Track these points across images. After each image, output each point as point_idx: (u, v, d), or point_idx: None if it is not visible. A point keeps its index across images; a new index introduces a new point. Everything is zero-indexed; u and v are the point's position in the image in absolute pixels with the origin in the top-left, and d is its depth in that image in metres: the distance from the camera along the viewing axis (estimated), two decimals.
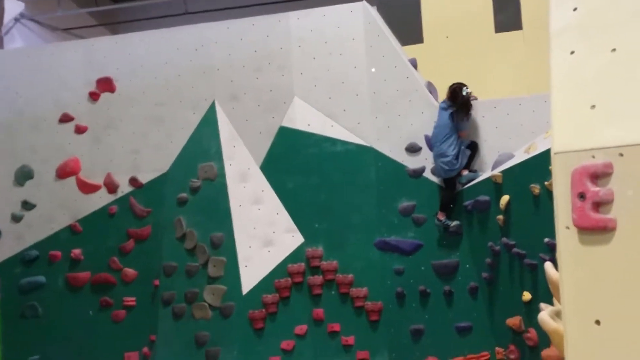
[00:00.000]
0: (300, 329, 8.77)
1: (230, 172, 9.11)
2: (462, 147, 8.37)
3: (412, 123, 8.78)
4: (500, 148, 8.39)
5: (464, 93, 8.36)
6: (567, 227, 2.31)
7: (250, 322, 8.79)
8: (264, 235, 8.94)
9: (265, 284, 8.85)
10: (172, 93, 9.36)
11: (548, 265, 2.82)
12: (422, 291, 8.59)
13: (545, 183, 6.74)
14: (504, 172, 7.92)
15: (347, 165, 8.91)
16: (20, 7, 10.95)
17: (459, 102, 8.39)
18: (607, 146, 2.25)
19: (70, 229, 9.51)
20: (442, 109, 8.51)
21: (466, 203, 8.40)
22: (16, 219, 9.63)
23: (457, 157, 8.34)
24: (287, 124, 9.06)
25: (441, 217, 8.52)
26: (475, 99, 8.66)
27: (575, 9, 2.56)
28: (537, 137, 7.96)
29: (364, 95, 8.95)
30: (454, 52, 9.24)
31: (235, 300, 8.82)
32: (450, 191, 8.55)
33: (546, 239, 6.77)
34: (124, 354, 9.23)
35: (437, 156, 8.42)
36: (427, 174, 8.70)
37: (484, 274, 8.29)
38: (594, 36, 2.47)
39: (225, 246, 8.95)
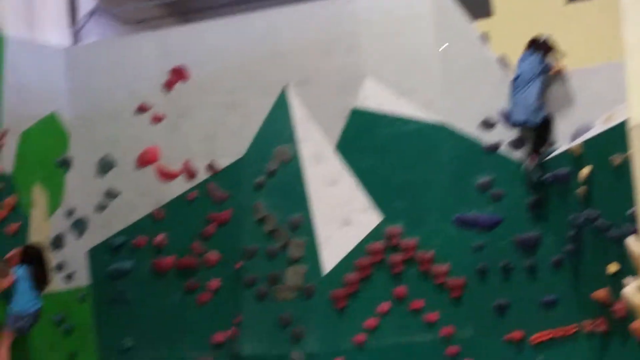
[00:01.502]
0: (383, 306, 8.75)
1: (305, 154, 9.12)
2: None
3: (486, 98, 8.63)
4: (578, 119, 8.17)
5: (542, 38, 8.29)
6: None
7: (333, 302, 8.82)
8: (342, 215, 8.92)
9: (346, 263, 8.87)
10: (245, 79, 9.38)
11: (630, 241, 2.68)
12: (504, 266, 8.46)
13: (627, 154, 6.52)
14: (583, 143, 7.73)
15: (421, 143, 8.83)
16: (93, 2, 11.04)
17: (539, 43, 8.29)
18: None
19: (153, 215, 9.65)
20: (521, 60, 8.35)
21: (546, 176, 8.20)
22: (101, 207, 9.82)
23: (540, 105, 8.08)
24: (359, 104, 9.01)
25: (531, 161, 8.26)
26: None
27: None
28: (616, 106, 7.69)
29: (435, 72, 8.82)
30: (525, 25, 8.97)
31: (316, 280, 8.87)
32: (540, 136, 8.28)
33: (630, 210, 6.58)
34: (211, 335, 9.34)
35: (520, 104, 8.19)
36: (504, 149, 8.51)
37: (567, 247, 8.12)
38: None
39: (304, 227, 8.99)
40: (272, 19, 9.31)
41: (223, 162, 9.46)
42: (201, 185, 9.53)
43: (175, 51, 9.64)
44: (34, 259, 8.37)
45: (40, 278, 8.33)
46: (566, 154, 7.97)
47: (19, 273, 8.18)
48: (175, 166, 9.63)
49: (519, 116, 8.22)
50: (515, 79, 8.33)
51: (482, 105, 8.64)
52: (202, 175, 9.55)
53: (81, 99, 9.89)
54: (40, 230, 9.16)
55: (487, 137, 8.62)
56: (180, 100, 9.62)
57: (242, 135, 9.38)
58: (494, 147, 8.58)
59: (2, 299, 8.13)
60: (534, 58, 8.33)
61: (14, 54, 9.00)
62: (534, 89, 8.19)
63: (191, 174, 9.55)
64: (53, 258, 9.25)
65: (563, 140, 8.23)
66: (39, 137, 9.39)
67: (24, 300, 8.14)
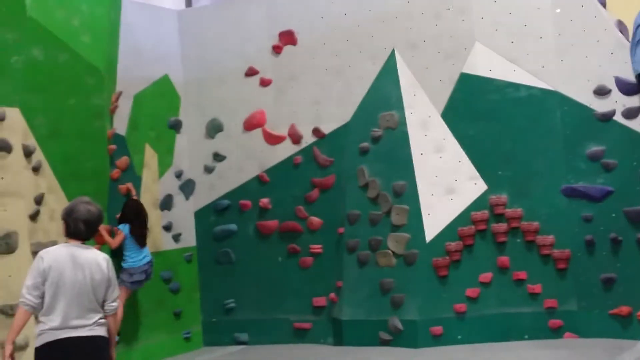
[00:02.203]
0: (485, 276, 8.99)
1: (411, 121, 9.37)
2: None
3: (601, 64, 8.66)
4: None
5: None
6: None
7: (435, 270, 9.11)
8: (446, 183, 9.17)
9: (449, 231, 9.14)
10: (352, 43, 9.72)
11: None
12: (613, 239, 8.53)
13: None
14: None
15: (531, 110, 8.96)
16: None
17: None
18: None
19: (259, 179, 10.18)
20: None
21: None
22: (208, 170, 10.41)
23: None
24: (468, 70, 9.18)
25: None
26: None
27: None
28: None
29: (548, 37, 8.91)
30: None
31: (418, 247, 9.15)
32: None
33: None
34: (312, 299, 9.83)
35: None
36: (618, 117, 8.54)
37: None
38: None
39: (407, 194, 9.28)
40: None
41: (328, 127, 9.87)
42: (306, 150, 9.99)
43: (283, 15, 10.08)
44: (134, 215, 9.02)
45: (140, 234, 8.98)
46: None
47: (125, 231, 8.91)
48: (281, 130, 10.11)
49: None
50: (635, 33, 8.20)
51: (596, 72, 8.68)
52: (308, 140, 9.98)
53: (192, 62, 10.49)
54: (150, 191, 9.83)
55: (601, 105, 8.64)
56: (288, 65, 10.08)
57: (348, 100, 9.75)
58: (608, 116, 8.61)
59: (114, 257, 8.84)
60: None
61: (129, 16, 9.57)
62: None
63: (297, 139, 10.00)
64: (161, 218, 9.91)
65: None
66: (151, 100, 9.99)
67: (133, 256, 8.90)
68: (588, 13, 8.73)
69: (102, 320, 5.02)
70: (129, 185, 9.28)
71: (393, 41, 9.50)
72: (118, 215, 9.06)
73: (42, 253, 4.94)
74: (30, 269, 4.92)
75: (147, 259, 9.02)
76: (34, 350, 4.88)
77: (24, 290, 4.81)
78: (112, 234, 8.92)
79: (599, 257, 8.63)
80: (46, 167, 7.89)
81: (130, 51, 9.56)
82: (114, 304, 5.11)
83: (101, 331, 4.98)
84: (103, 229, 8.44)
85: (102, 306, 5.03)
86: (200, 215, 10.46)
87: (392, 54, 9.50)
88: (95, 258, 5.03)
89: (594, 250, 8.65)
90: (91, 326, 4.90)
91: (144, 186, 9.68)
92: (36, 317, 5.00)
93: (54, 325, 4.77)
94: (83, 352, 4.82)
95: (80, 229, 5.01)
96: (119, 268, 8.70)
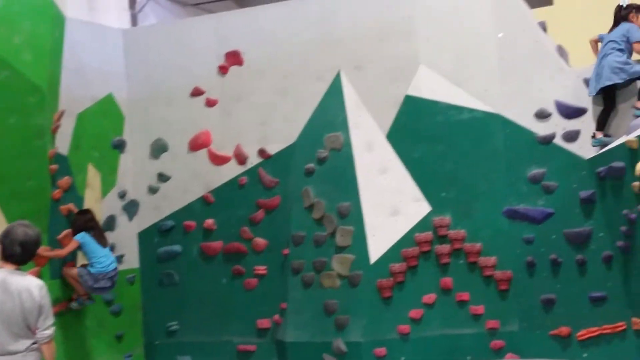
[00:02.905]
0: (429, 297, 9.09)
1: (356, 142, 9.46)
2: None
3: (542, 88, 8.86)
4: (635, 112, 8.29)
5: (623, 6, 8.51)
6: None
7: (379, 291, 9.18)
8: (390, 204, 9.27)
9: (393, 253, 9.22)
10: (299, 64, 9.80)
11: None
12: (553, 260, 8.70)
13: None
14: None
15: (474, 132, 9.11)
16: None
17: (623, 15, 8.52)
18: None
19: (203, 199, 10.18)
20: (605, 38, 8.59)
21: (599, 170, 8.40)
22: (153, 190, 10.39)
23: (629, 62, 8.29)
24: (413, 92, 9.31)
25: (599, 135, 8.48)
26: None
27: None
28: None
29: (491, 61, 9.09)
30: (585, 14, 9.16)
31: (363, 269, 9.22)
32: (608, 107, 8.51)
33: None
34: (256, 321, 9.84)
35: (606, 65, 8.33)
36: (558, 140, 8.72)
37: (619, 243, 8.30)
38: None
39: (352, 216, 9.35)
40: (327, 3, 9.69)
41: (274, 148, 9.90)
42: (252, 171, 10.00)
43: (230, 35, 10.12)
44: (87, 224, 9.02)
45: (101, 236, 9.04)
46: (622, 147, 8.11)
47: (83, 239, 8.84)
48: (227, 151, 10.12)
49: (606, 75, 8.31)
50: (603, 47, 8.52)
51: (537, 95, 8.87)
52: (253, 161, 10.00)
53: (138, 81, 10.46)
54: (93, 211, 9.67)
55: (542, 128, 8.84)
56: (234, 85, 10.11)
57: (294, 121, 9.80)
58: (548, 139, 8.80)
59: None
60: (619, 28, 8.51)
61: (73, 34, 9.46)
62: (620, 53, 8.35)
63: (242, 159, 10.02)
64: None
65: (619, 133, 8.38)
66: (95, 119, 9.90)
67: (102, 260, 8.86)
68: (529, 38, 8.93)
69: (35, 346, 5.02)
70: (71, 205, 9.18)
71: (339, 62, 9.60)
72: (60, 237, 8.96)
73: None
74: None
75: (114, 265, 9.00)
76: None
77: None
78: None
79: (539, 278, 8.78)
80: None
81: (73, 70, 9.47)
82: (47, 332, 5.12)
83: (32, 357, 5.01)
84: (43, 249, 8.29)
85: (35, 334, 5.02)
86: (144, 236, 10.40)
87: (338, 76, 9.59)
88: (28, 285, 5.04)
89: (535, 272, 8.80)
90: (24, 352, 4.96)
91: (86, 207, 9.57)
92: None
93: None
94: None
95: (15, 251, 5.06)
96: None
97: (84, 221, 9.03)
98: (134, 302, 10.29)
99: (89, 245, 8.88)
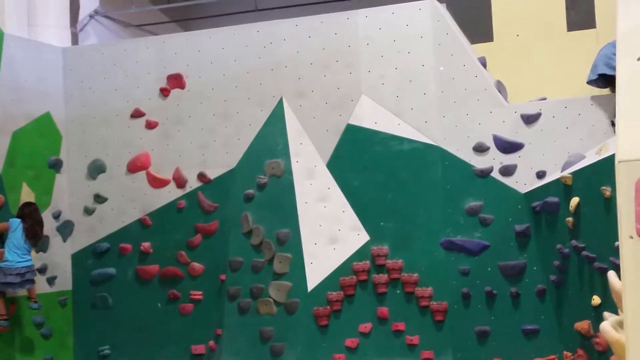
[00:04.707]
0: (365, 327, 8.95)
1: (297, 169, 9.33)
2: None
3: (480, 122, 8.87)
4: (570, 149, 8.37)
5: None
6: (631, 237, 2.32)
7: (315, 319, 9.03)
8: (329, 232, 9.14)
9: (330, 281, 9.09)
10: (241, 90, 9.64)
11: (611, 275, 2.81)
12: (488, 292, 8.68)
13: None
14: (574, 173, 7.95)
15: (413, 164, 9.05)
16: (95, 4, 11.39)
17: None
18: None
19: (140, 222, 9.89)
20: None
21: (534, 204, 8.42)
22: (89, 211, 10.06)
23: None
24: (354, 121, 9.23)
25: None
26: (545, 99, 8.67)
27: None
28: (609, 138, 7.90)
29: (431, 93, 9.06)
30: (524, 51, 9.22)
31: (300, 296, 9.06)
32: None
33: (617, 243, 6.70)
34: (191, 346, 9.55)
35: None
36: (495, 174, 8.72)
37: (552, 277, 8.34)
38: None
39: (291, 243, 9.20)
40: (271, 30, 9.57)
41: (214, 172, 9.70)
42: (190, 195, 9.77)
43: (172, 58, 9.91)
44: (28, 215, 8.91)
45: (33, 233, 8.84)
46: (557, 182, 8.16)
47: (14, 225, 8.71)
48: (166, 174, 9.87)
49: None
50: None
51: (476, 129, 8.87)
52: (193, 184, 9.77)
53: (76, 100, 10.18)
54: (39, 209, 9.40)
55: (480, 162, 8.83)
56: (175, 108, 9.88)
57: (234, 146, 9.63)
58: (486, 172, 8.79)
59: None
60: None
61: (11, 50, 9.25)
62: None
63: (181, 183, 9.78)
64: (36, 260, 9.43)
65: (554, 169, 8.42)
66: (31, 137, 9.64)
67: (14, 256, 8.64)
68: (469, 73, 8.94)
69: None
70: (4, 224, 8.84)
71: (281, 89, 9.47)
72: None
73: None
74: None
75: (28, 263, 8.74)
76: None
77: None
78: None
79: (474, 309, 8.74)
80: None
81: (10, 86, 9.24)
82: None
83: None
84: None
85: None
86: (78, 258, 10.05)
87: (280, 102, 9.46)
88: None
89: (470, 303, 8.76)
90: None
91: None
92: None
93: None
94: None
95: None
96: None
97: (29, 211, 8.96)
98: (65, 325, 9.92)
99: (14, 233, 8.70)
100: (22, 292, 9.03)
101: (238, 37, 9.68)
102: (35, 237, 8.95)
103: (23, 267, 8.68)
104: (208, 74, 9.76)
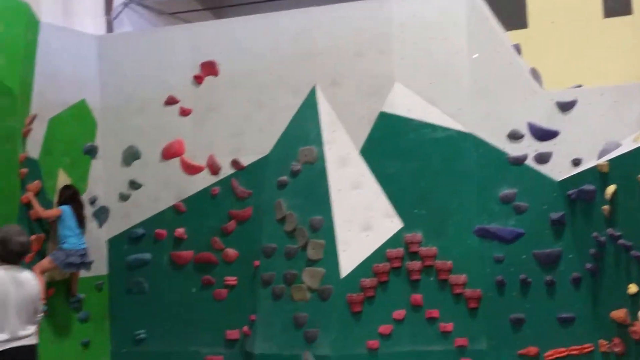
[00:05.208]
0: (399, 313, 8.96)
1: (330, 156, 9.32)
2: None
3: (515, 110, 8.81)
4: (606, 136, 8.30)
5: None
6: None
7: (349, 306, 9.02)
8: (362, 219, 9.13)
9: (364, 268, 9.07)
10: (274, 77, 9.62)
11: None
12: (522, 280, 8.64)
13: None
14: (611, 161, 7.87)
15: (447, 151, 9.02)
16: None
17: None
18: None
19: (175, 208, 9.92)
20: None
21: (570, 192, 8.36)
22: (124, 197, 10.12)
23: None
24: (387, 109, 9.19)
25: None
26: (580, 86, 8.58)
27: None
28: None
29: (465, 81, 9.01)
30: (559, 38, 9.14)
31: (333, 283, 9.06)
32: None
33: None
34: (225, 332, 9.61)
35: None
36: (529, 162, 8.67)
37: (588, 265, 8.28)
38: None
39: (324, 229, 9.19)
40: (304, 18, 9.55)
41: (248, 159, 9.71)
42: (224, 181, 9.79)
43: (206, 45, 9.91)
44: (71, 199, 9.17)
45: (79, 216, 9.14)
46: (593, 170, 8.09)
47: (66, 211, 8.95)
48: (200, 160, 9.90)
49: None
50: None
51: (510, 117, 8.81)
52: (226, 171, 9.79)
53: (111, 88, 10.21)
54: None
55: (514, 149, 8.78)
56: (209, 95, 9.89)
57: (268, 133, 9.62)
58: (520, 160, 8.74)
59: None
60: None
61: (47, 39, 9.27)
62: None
63: (215, 169, 9.81)
64: None
65: (590, 157, 8.35)
66: (67, 124, 9.67)
67: (75, 239, 8.97)
68: (504, 60, 8.87)
69: (34, 330, 5.83)
70: (56, 211, 9.03)
71: (315, 77, 9.45)
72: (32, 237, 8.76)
73: None
74: None
75: (84, 245, 9.10)
76: None
77: None
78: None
79: (509, 297, 8.71)
80: None
81: (46, 74, 9.26)
82: (41, 315, 6.02)
83: (35, 340, 5.85)
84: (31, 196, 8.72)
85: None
86: (114, 243, 10.12)
87: (313, 90, 9.45)
88: (29, 278, 5.83)
89: (505, 291, 8.73)
90: (31, 336, 5.75)
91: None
92: None
93: (4, 338, 5.53)
94: (27, 357, 5.68)
95: (13, 259, 5.76)
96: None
97: (69, 195, 9.16)
98: (101, 310, 10.00)
99: (67, 220, 8.96)
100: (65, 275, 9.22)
101: (272, 24, 9.66)
102: (82, 220, 9.22)
103: (83, 248, 9.07)
104: (241, 61, 9.75)
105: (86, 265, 9.26)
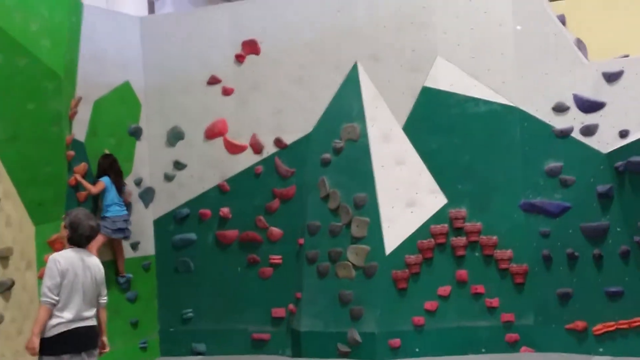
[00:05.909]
0: (444, 290, 8.97)
1: (372, 133, 9.32)
2: None
3: (560, 82, 8.71)
4: None
5: None
6: None
7: (394, 282, 9.06)
8: (406, 196, 9.13)
9: (408, 244, 9.09)
10: (316, 54, 9.63)
11: None
12: (569, 254, 8.57)
13: None
14: None
15: (491, 125, 8.96)
16: None
17: None
18: None
19: (219, 188, 10.03)
20: None
21: (617, 164, 8.24)
22: (169, 178, 10.24)
23: None
24: (429, 84, 9.16)
25: None
26: (627, 56, 8.43)
27: None
28: None
29: (509, 54, 8.93)
30: (605, 8, 8.97)
31: (378, 260, 9.08)
32: None
33: None
34: (271, 310, 9.71)
35: None
36: (575, 134, 8.57)
37: (637, 238, 8.19)
38: None
39: (368, 206, 9.22)
40: None
41: (290, 138, 9.75)
42: (267, 160, 9.86)
43: (247, 24, 9.95)
44: (109, 168, 9.33)
45: (118, 185, 9.33)
46: None
47: (108, 183, 9.18)
48: (242, 140, 9.96)
49: None
50: None
51: (555, 89, 8.72)
52: (269, 150, 9.85)
53: (154, 69, 10.30)
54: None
55: (559, 122, 8.68)
56: (251, 74, 9.94)
57: (310, 111, 9.66)
58: (566, 132, 8.65)
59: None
60: None
61: (90, 21, 9.36)
62: None
63: (258, 148, 9.87)
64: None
65: (638, 128, 8.21)
66: (112, 106, 9.78)
67: (115, 205, 9.22)
68: (548, 31, 8.76)
69: (95, 313, 5.95)
70: (100, 185, 9.20)
71: (356, 53, 9.43)
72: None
73: (57, 256, 5.73)
74: (47, 270, 5.65)
75: (126, 212, 9.37)
76: (46, 340, 5.58)
77: (46, 290, 5.59)
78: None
79: (555, 272, 8.67)
80: (3, 172, 7.65)
81: (91, 57, 9.36)
82: (106, 297, 6.10)
83: (95, 322, 5.95)
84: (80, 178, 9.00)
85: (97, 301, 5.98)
86: (160, 224, 10.26)
87: (355, 66, 9.43)
88: (97, 262, 5.98)
89: (551, 265, 8.69)
90: (92, 318, 5.87)
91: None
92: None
93: (69, 318, 5.65)
94: (89, 338, 5.82)
95: (83, 242, 5.92)
96: None
97: (108, 164, 9.33)
98: (149, 289, 10.18)
99: (108, 192, 9.21)
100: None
101: (312, 1, 9.65)
102: (120, 188, 9.37)
103: (125, 214, 9.33)
104: (282, 39, 9.77)
105: (129, 232, 9.48)
